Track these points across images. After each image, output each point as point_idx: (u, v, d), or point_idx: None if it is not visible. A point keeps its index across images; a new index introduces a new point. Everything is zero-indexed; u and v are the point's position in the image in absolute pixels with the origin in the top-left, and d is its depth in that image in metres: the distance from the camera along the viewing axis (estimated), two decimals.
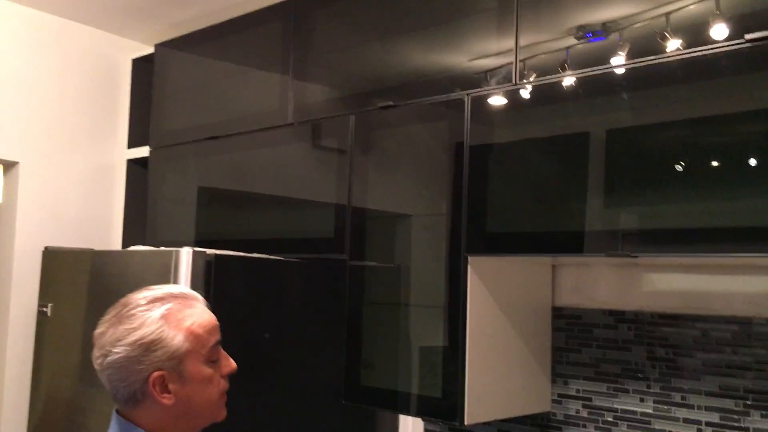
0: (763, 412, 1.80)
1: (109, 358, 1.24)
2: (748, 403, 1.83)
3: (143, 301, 1.27)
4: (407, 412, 2.10)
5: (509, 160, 1.91)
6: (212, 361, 1.30)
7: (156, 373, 1.23)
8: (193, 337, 1.26)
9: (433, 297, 2.05)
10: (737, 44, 1.53)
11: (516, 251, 1.90)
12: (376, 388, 2.15)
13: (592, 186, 1.73)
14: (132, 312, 1.26)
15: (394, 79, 2.22)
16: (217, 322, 1.33)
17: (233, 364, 1.35)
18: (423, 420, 2.45)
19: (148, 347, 1.23)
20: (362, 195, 2.23)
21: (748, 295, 1.84)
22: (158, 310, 1.26)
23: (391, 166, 2.22)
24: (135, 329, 1.24)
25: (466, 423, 1.91)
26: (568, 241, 1.76)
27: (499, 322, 2.04)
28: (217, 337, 1.31)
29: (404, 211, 2.16)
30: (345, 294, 2.21)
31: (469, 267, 1.94)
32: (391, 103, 2.17)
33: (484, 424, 2.32)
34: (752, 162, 1.50)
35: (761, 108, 1.52)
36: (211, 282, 1.98)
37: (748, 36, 1.51)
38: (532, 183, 1.86)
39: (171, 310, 1.26)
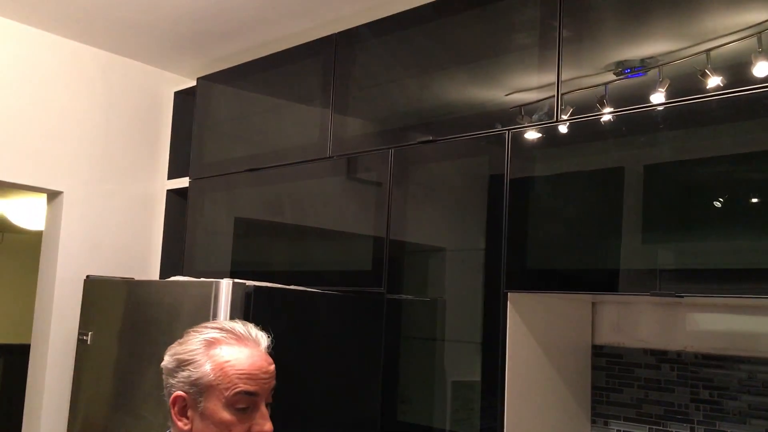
0: None
1: (161, 364, 1.29)
2: None
3: (208, 325, 1.29)
4: None
5: (549, 195, 1.90)
6: (238, 408, 1.21)
7: (177, 393, 1.23)
8: (222, 374, 1.21)
9: (471, 332, 2.03)
10: None
11: (556, 288, 1.88)
12: (412, 423, 2.13)
13: (632, 222, 1.71)
14: (191, 330, 1.30)
15: (433, 113, 2.23)
16: (261, 374, 1.25)
17: (267, 426, 1.24)
18: None
19: (179, 364, 1.24)
20: (400, 228, 2.24)
21: None
22: (205, 335, 1.26)
23: (429, 200, 2.23)
24: (180, 344, 1.27)
25: None
26: (609, 280, 1.74)
27: (539, 359, 2.01)
28: (251, 387, 1.23)
29: (442, 245, 2.16)
30: (382, 327, 2.21)
31: (508, 303, 1.92)
32: (430, 137, 2.18)
33: None
34: None
35: None
36: (250, 314, 1.99)
37: None
38: (572, 219, 1.85)
39: (216, 340, 1.25)
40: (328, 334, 2.22)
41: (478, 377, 1.97)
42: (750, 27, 1.58)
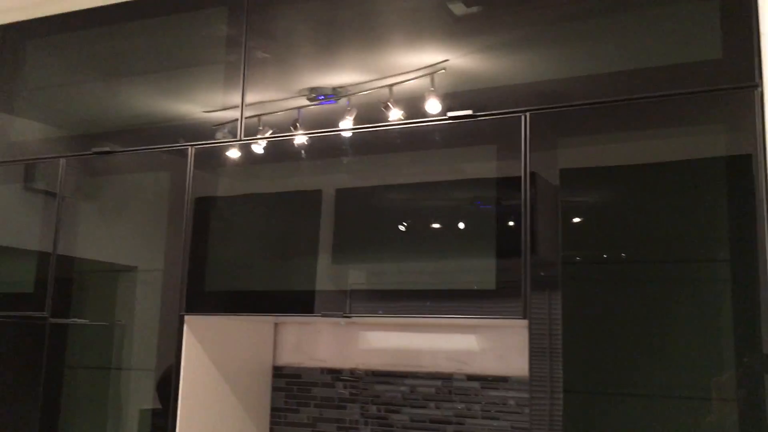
0: None
1: None
2: None
3: None
4: None
5: (236, 215, 1.87)
6: None
7: None
8: None
9: (148, 358, 1.91)
10: (442, 120, 1.66)
11: (231, 310, 1.85)
12: None
13: (313, 244, 1.75)
14: None
15: (114, 123, 2.09)
16: None
17: None
18: None
19: None
20: (71, 245, 2.04)
21: (450, 351, 1.97)
22: None
23: (108, 216, 2.06)
24: None
25: None
26: (286, 301, 1.76)
27: (216, 384, 1.95)
28: None
29: (123, 265, 2.01)
30: (43, 356, 1.99)
31: (185, 327, 1.85)
32: (107, 149, 2.03)
33: None
34: (460, 226, 1.62)
35: (464, 179, 1.66)
36: None
37: (450, 113, 1.64)
38: (257, 240, 1.84)
39: None
40: None
41: (152, 406, 1.86)
42: (425, 67, 1.71)
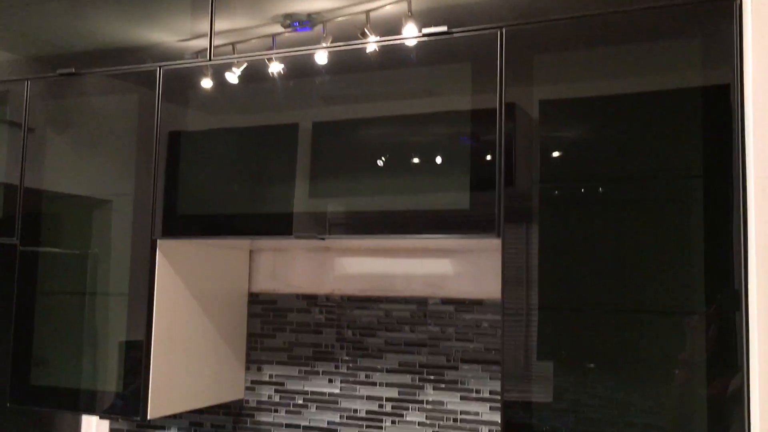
0: (435, 385, 1.94)
1: None
2: (423, 377, 1.96)
3: None
4: (82, 411, 1.92)
5: (207, 141, 1.83)
6: None
7: None
8: None
9: (121, 284, 1.90)
10: (416, 37, 1.61)
11: (205, 234, 1.83)
12: (49, 387, 1.94)
13: (290, 177, 1.72)
14: None
15: (80, 44, 2.01)
16: None
17: None
18: (107, 418, 2.27)
19: None
20: (39, 172, 2.00)
21: (424, 276, 1.97)
22: None
23: (75, 141, 2.01)
24: None
25: (149, 417, 1.79)
26: (261, 224, 1.74)
27: (191, 309, 1.95)
28: None
29: (93, 193, 1.97)
30: (14, 282, 1.97)
31: (158, 252, 1.83)
32: (72, 70, 1.97)
33: (175, 417, 2.21)
34: (437, 153, 1.59)
35: (443, 110, 1.62)
36: None
37: (425, 30, 1.60)
38: (232, 173, 1.80)
39: None
40: None
41: (126, 332, 1.86)
42: None
